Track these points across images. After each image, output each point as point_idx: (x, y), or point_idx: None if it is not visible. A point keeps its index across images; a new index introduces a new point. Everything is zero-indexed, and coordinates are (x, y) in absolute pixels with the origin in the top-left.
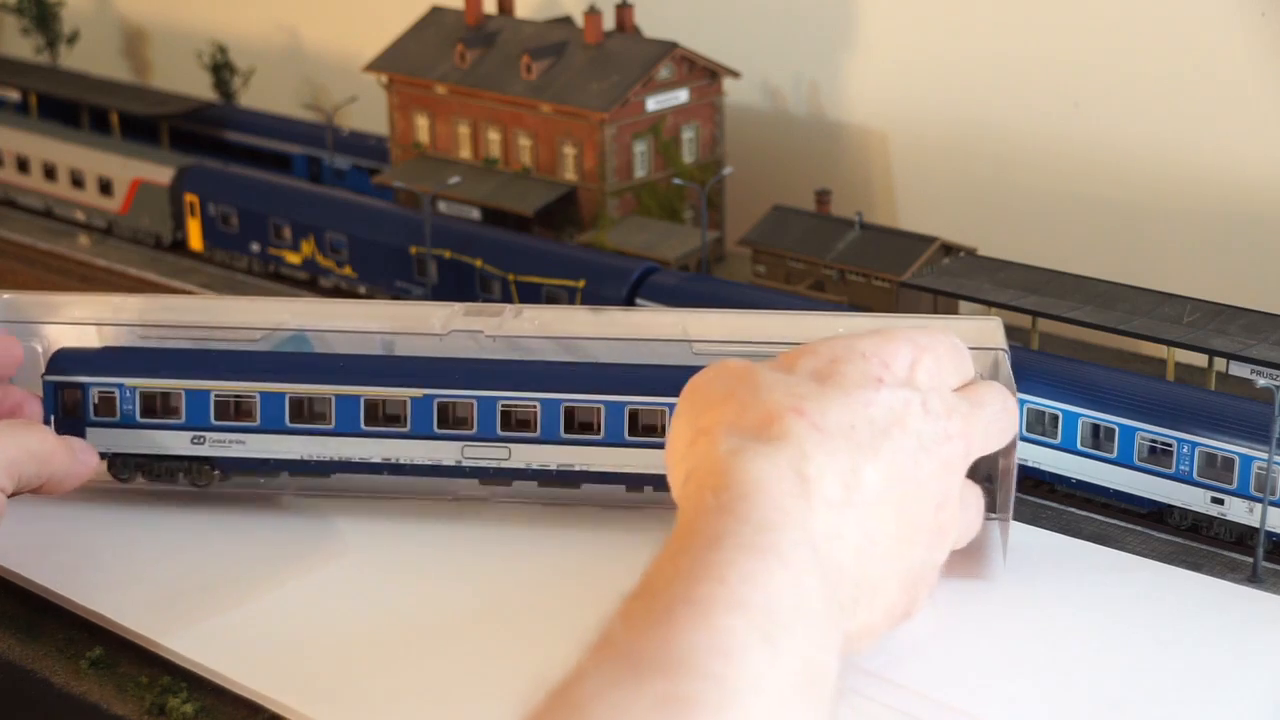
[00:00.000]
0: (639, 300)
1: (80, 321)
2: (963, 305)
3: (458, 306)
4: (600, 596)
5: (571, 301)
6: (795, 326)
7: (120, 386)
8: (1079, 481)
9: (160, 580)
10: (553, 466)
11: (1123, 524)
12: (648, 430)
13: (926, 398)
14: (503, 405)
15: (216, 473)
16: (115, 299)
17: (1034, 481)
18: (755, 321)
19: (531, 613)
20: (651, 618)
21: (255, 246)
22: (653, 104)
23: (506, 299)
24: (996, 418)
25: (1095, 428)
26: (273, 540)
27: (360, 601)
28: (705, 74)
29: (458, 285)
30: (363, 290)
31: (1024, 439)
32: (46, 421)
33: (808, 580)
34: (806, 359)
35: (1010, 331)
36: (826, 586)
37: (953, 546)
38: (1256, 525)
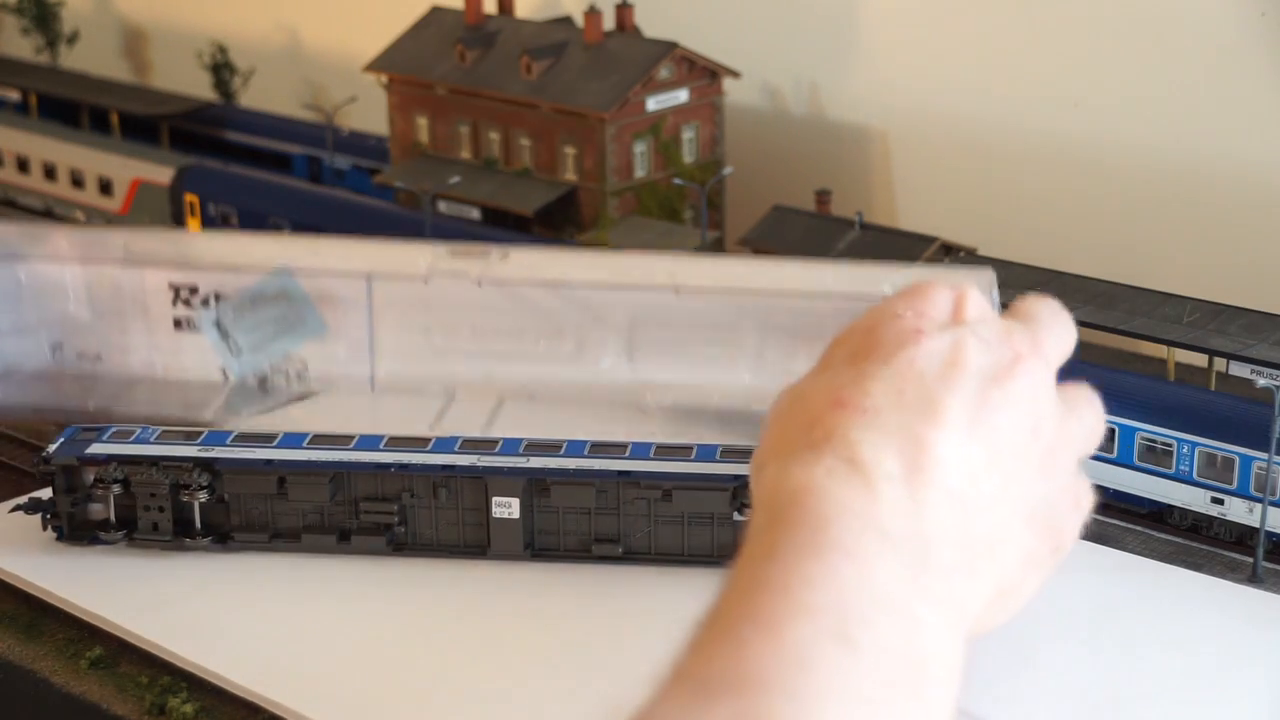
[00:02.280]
0: None
1: (64, 258)
2: None
3: (441, 248)
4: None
5: None
6: (782, 272)
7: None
8: None
9: (161, 585)
10: None
11: (1123, 524)
12: None
13: (975, 330)
14: None
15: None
16: (98, 233)
17: None
18: (746, 268)
19: (535, 614)
20: (716, 641)
21: None
22: (653, 104)
23: None
24: (1055, 322)
25: None
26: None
27: (362, 604)
28: (705, 74)
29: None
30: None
31: None
32: None
33: (882, 567)
34: (839, 346)
35: None
36: (913, 565)
37: (1082, 454)
38: (1256, 525)
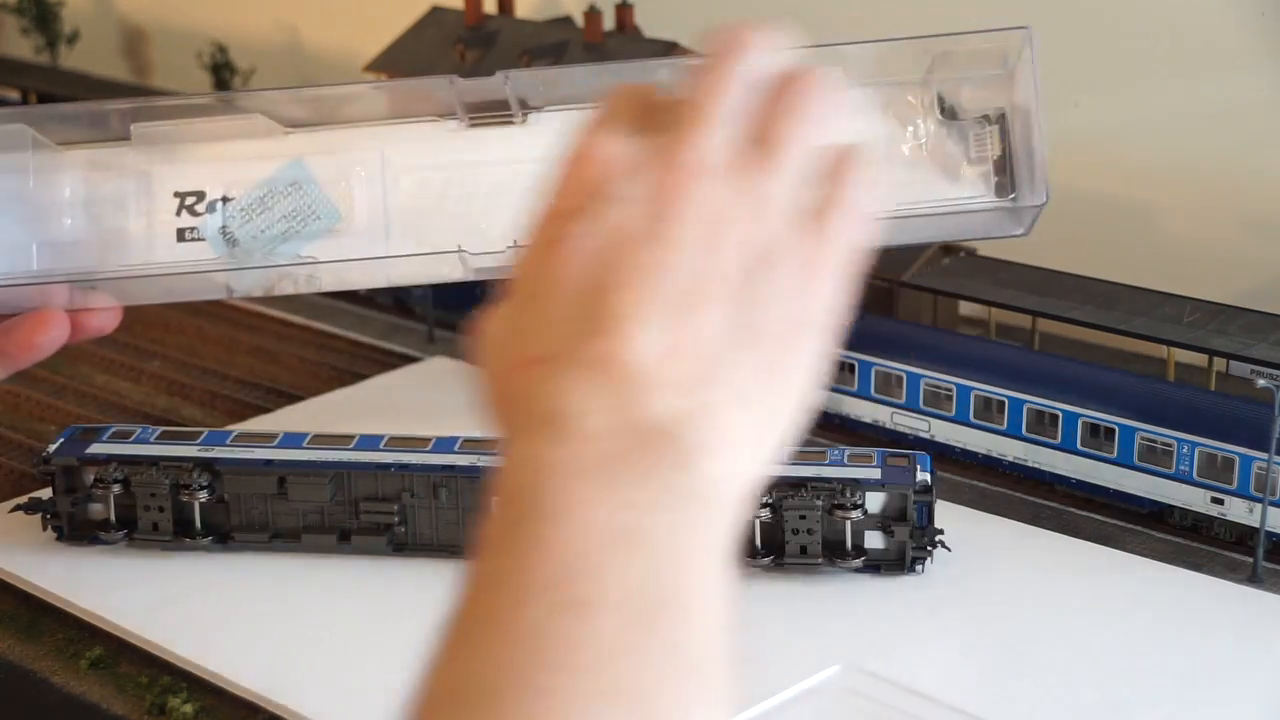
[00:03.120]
0: None
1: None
2: (963, 305)
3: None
4: None
5: None
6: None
7: None
8: (1079, 481)
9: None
10: None
11: (1123, 524)
12: None
13: (622, 187)
14: None
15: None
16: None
17: (1034, 482)
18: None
19: None
20: (456, 651)
21: None
22: None
23: None
24: (714, 114)
25: (1095, 428)
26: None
27: (362, 604)
28: None
29: (458, 285)
30: (363, 290)
31: (1024, 439)
32: None
33: (601, 509)
34: (521, 269)
35: (1010, 331)
36: (636, 484)
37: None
38: (1256, 525)
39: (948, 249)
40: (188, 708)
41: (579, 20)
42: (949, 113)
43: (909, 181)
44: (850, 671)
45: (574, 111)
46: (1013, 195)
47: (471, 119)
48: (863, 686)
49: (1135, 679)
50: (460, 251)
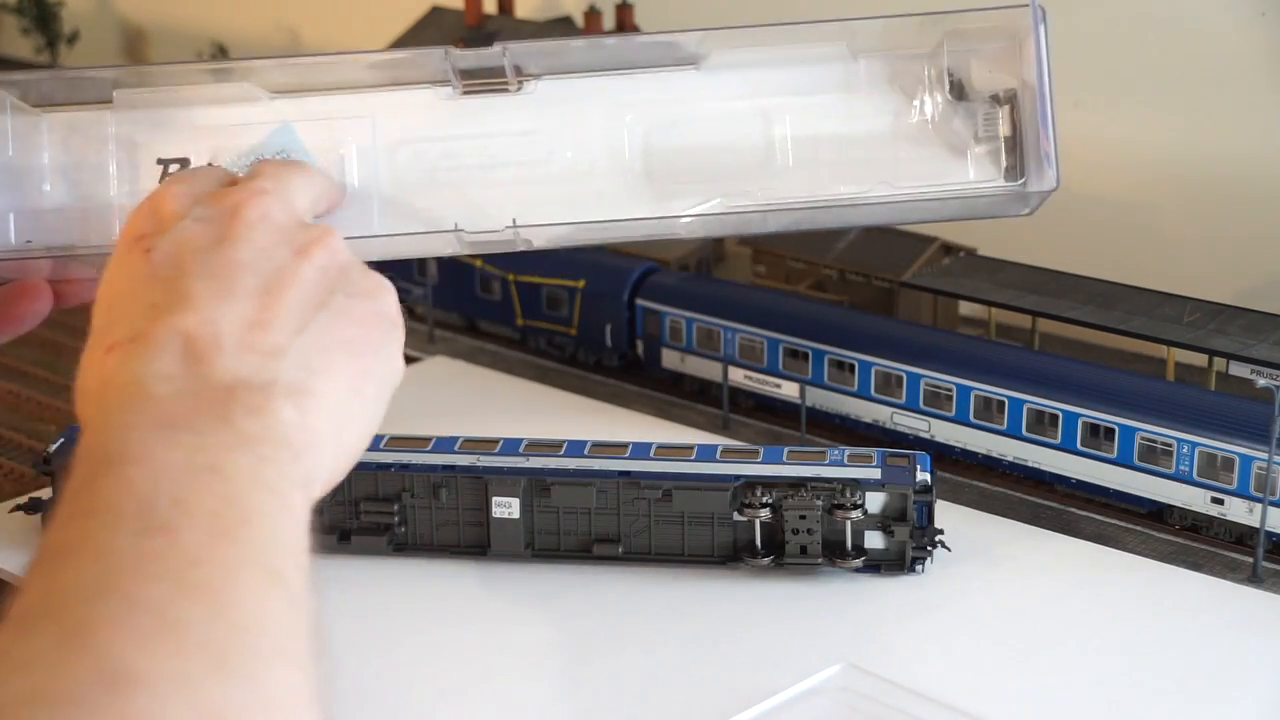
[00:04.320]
0: (639, 301)
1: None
2: (963, 305)
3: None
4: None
5: (572, 303)
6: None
7: None
8: (1079, 481)
9: None
10: None
11: (1123, 524)
12: None
13: (195, 211)
14: None
15: None
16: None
17: (1034, 482)
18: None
19: (540, 619)
20: (33, 577)
21: None
22: None
23: (506, 299)
24: (288, 171)
25: (1095, 428)
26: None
27: (362, 604)
28: None
29: (457, 285)
30: None
31: (1024, 439)
32: None
33: (177, 451)
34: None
35: (1010, 331)
36: (216, 433)
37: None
38: (1256, 525)
39: (948, 249)
40: None
41: (579, 20)
42: (958, 90)
43: (915, 159)
44: (850, 671)
45: (570, 80)
46: (1022, 180)
47: (466, 86)
48: (863, 686)
49: (1135, 679)
50: (458, 231)
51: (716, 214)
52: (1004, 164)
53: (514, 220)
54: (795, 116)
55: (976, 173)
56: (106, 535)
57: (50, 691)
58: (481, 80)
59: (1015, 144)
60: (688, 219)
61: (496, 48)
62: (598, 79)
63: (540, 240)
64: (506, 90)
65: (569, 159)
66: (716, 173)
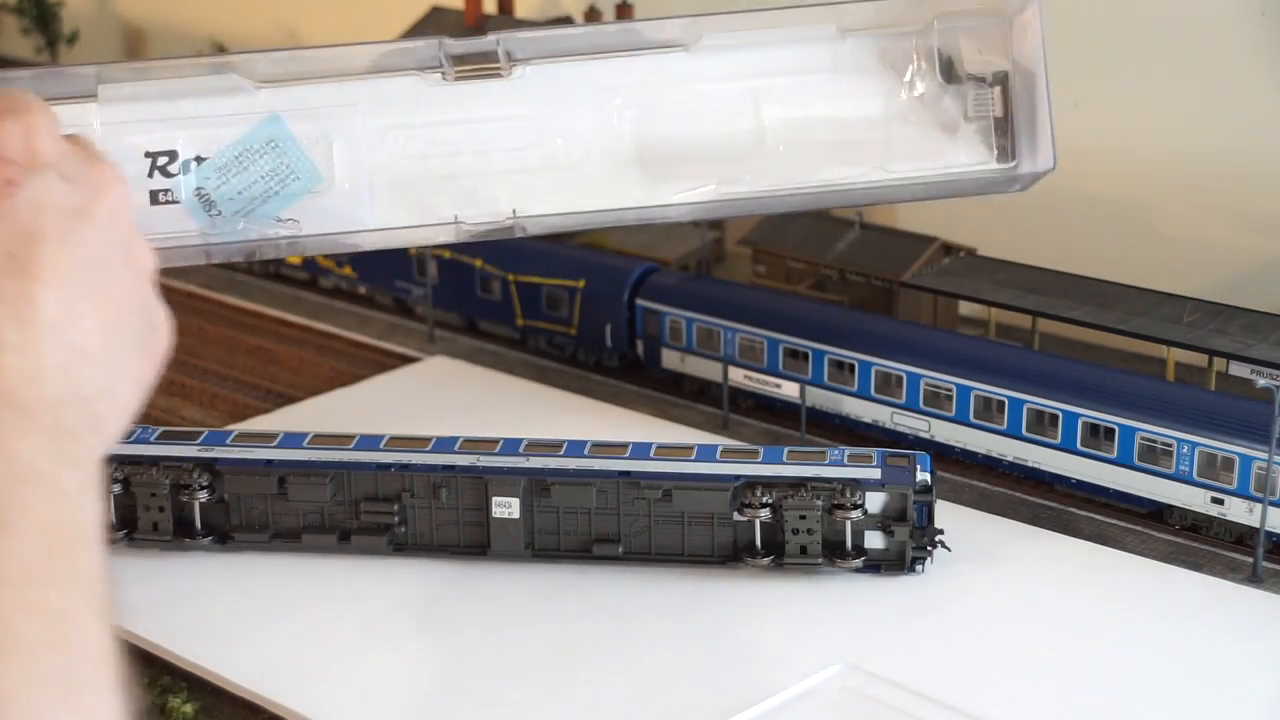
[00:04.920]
0: (639, 301)
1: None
2: (963, 305)
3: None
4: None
5: (572, 303)
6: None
7: None
8: (1079, 481)
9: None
10: None
11: (1123, 524)
12: None
13: (60, 167)
14: None
15: None
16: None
17: (1034, 481)
18: None
19: (540, 617)
20: None
21: None
22: None
23: (506, 299)
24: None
25: (1095, 428)
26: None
27: (362, 604)
28: None
29: (457, 285)
30: (362, 290)
31: (1024, 439)
32: None
33: (21, 442)
34: None
35: (1010, 331)
36: (51, 431)
37: (151, 270)
38: (1256, 525)
39: (948, 249)
40: (188, 708)
41: (579, 20)
42: (947, 70)
43: (906, 139)
44: (850, 671)
45: (560, 63)
46: (1014, 161)
47: (459, 73)
48: (863, 686)
49: (1135, 678)
50: (457, 223)
51: (710, 200)
52: (995, 144)
53: (514, 211)
54: (785, 97)
55: (968, 153)
56: None
57: None
58: (473, 65)
59: (1007, 124)
60: (681, 205)
61: (490, 36)
62: (587, 63)
63: (536, 228)
64: (498, 75)
65: (559, 143)
66: (708, 156)
